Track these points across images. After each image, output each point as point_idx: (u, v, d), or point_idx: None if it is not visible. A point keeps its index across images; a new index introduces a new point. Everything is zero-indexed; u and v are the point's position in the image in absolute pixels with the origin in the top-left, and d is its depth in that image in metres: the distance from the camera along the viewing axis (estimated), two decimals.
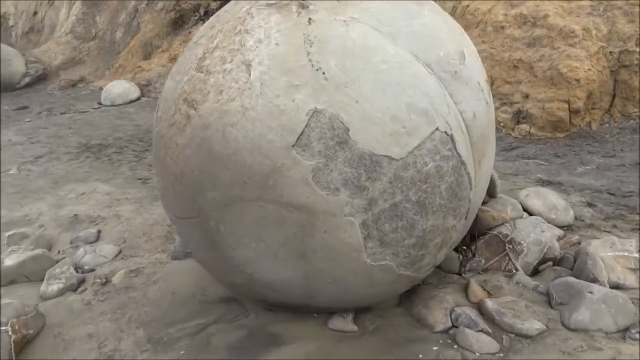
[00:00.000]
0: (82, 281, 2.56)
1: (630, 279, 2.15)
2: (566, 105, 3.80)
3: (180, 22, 9.56)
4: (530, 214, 2.76)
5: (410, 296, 2.18)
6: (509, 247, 2.35)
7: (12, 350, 1.91)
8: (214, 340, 1.99)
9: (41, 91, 10.18)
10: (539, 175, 3.49)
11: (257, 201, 1.63)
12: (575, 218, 2.86)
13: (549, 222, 2.69)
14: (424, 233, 1.71)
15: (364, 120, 1.56)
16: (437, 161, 1.66)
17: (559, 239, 2.60)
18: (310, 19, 1.67)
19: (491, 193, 2.67)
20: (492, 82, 4.38)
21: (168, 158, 1.82)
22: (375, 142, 1.57)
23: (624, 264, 2.21)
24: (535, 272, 2.33)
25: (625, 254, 2.23)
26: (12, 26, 16.49)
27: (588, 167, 3.53)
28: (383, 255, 1.70)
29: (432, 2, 2.01)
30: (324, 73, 1.57)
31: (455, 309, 2.00)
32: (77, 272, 2.63)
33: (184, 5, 9.45)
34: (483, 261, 2.38)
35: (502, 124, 4.21)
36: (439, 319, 1.99)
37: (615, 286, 2.11)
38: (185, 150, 1.73)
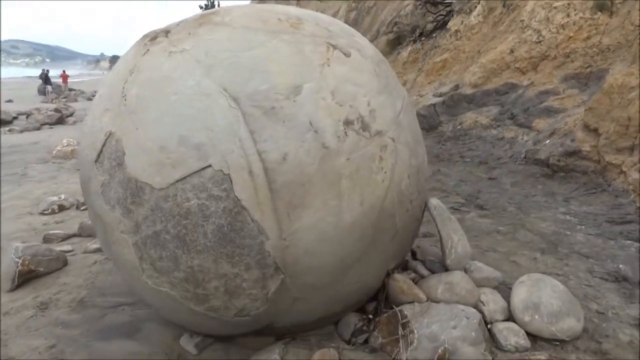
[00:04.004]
0: None
1: None
2: None
3: (397, 43, 9.97)
4: (509, 307, 2.05)
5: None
6: (401, 333, 1.86)
7: (16, 276, 2.72)
8: (107, 317, 2.33)
9: None
10: (620, 266, 2.41)
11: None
12: (595, 338, 1.94)
13: (520, 326, 1.95)
14: (193, 271, 1.64)
15: (137, 147, 1.64)
16: (202, 199, 1.57)
17: (518, 350, 1.86)
18: (147, 50, 1.82)
19: (443, 261, 2.13)
20: None
21: None
22: (141, 169, 1.62)
23: None
24: None
25: None
26: None
27: None
28: (160, 282, 1.71)
29: (307, 28, 1.82)
30: (125, 100, 1.72)
31: None
32: None
33: (402, 27, 9.81)
34: (380, 339, 1.96)
35: None
36: None
37: None
38: None
